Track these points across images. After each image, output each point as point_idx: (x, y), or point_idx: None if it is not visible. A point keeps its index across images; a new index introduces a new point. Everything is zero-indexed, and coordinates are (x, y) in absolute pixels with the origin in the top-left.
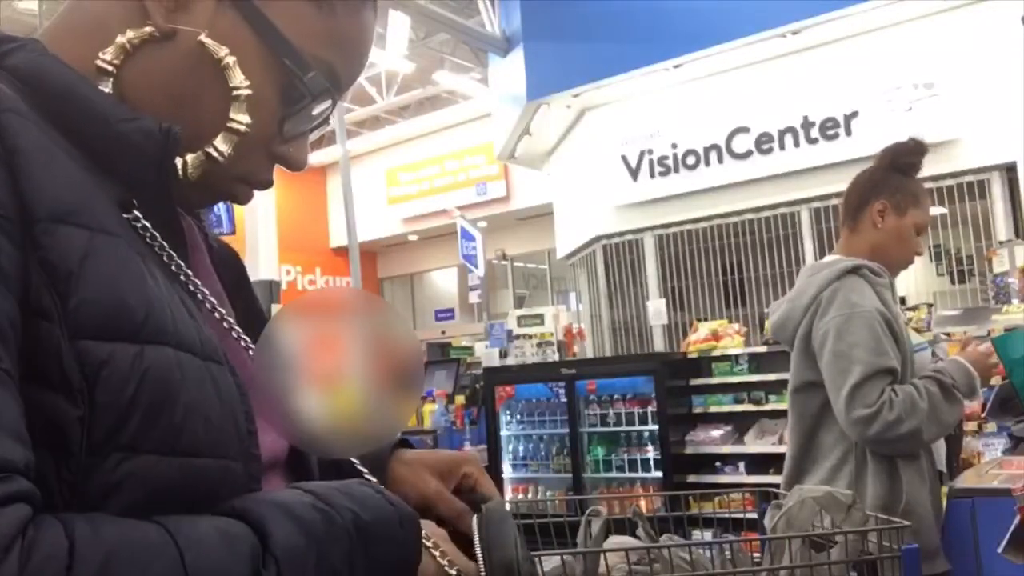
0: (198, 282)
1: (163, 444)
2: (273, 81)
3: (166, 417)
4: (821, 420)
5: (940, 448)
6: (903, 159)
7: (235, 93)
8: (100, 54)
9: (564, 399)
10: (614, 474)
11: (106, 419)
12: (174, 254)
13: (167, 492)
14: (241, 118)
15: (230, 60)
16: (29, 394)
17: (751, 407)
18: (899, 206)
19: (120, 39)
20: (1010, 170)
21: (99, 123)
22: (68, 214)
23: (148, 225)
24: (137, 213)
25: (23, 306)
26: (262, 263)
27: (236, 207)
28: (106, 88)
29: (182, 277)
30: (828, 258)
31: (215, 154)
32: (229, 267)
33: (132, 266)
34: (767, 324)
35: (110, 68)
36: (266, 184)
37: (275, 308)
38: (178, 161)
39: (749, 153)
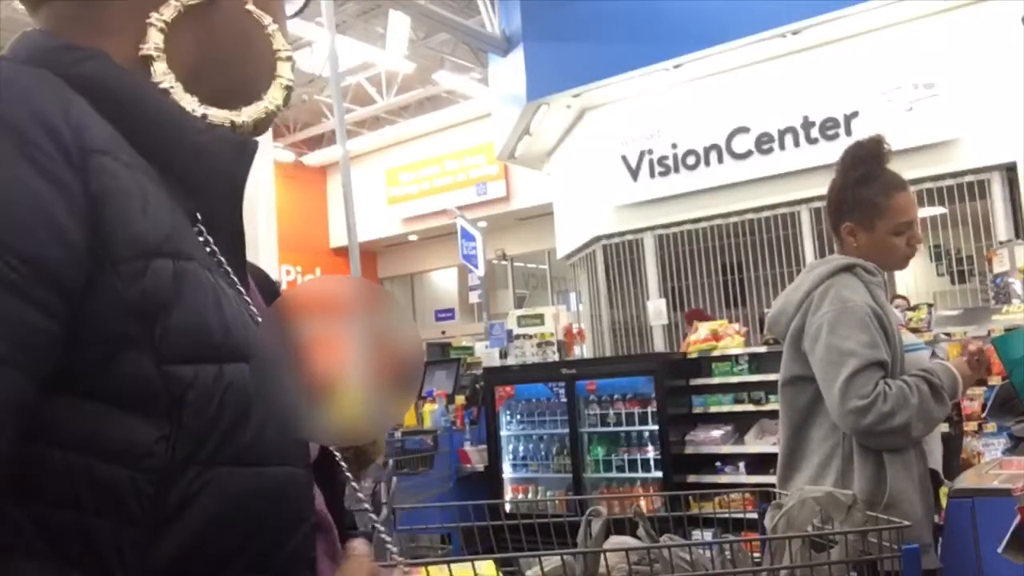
0: (246, 298)
1: (238, 456)
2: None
3: (241, 430)
4: (810, 415)
5: (936, 448)
6: (853, 174)
7: (280, 55)
8: (155, 14)
9: (564, 399)
10: (614, 474)
11: (190, 437)
12: (230, 270)
13: (240, 501)
14: (289, 75)
15: (274, 28)
16: (109, 418)
17: (751, 407)
18: (864, 223)
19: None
20: (1010, 170)
21: (174, 134)
22: (157, 247)
23: (210, 240)
24: (201, 227)
25: (100, 340)
26: (262, 263)
27: None
28: (157, 54)
29: (239, 287)
30: (826, 257)
31: (273, 109)
32: (262, 286)
33: (209, 288)
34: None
35: (163, 25)
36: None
37: None
38: (235, 119)
39: (749, 153)
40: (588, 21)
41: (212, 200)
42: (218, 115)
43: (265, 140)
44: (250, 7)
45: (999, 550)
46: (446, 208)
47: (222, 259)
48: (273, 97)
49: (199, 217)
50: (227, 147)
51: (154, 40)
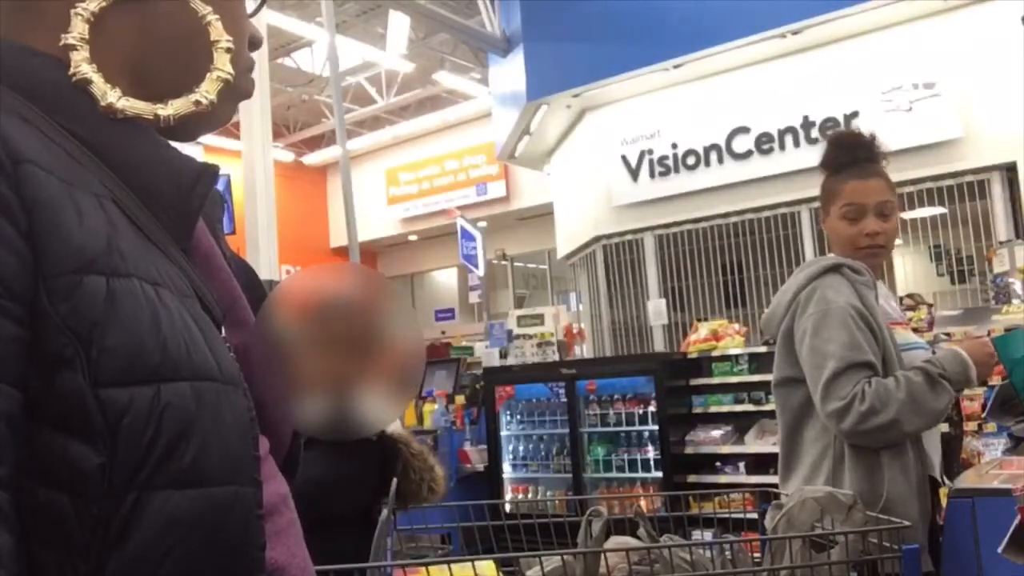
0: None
1: (177, 478)
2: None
3: (180, 452)
4: (803, 416)
5: (934, 453)
6: (823, 161)
7: (218, 46)
8: (81, 4)
9: (564, 399)
10: (614, 474)
11: (127, 463)
12: (190, 270)
13: (181, 522)
14: (226, 67)
15: (213, 19)
16: (52, 442)
17: (751, 407)
18: (824, 210)
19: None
20: (1010, 170)
21: (129, 145)
22: (90, 263)
23: (167, 252)
24: (152, 237)
25: (39, 360)
26: (262, 263)
27: (236, 208)
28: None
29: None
30: (816, 258)
31: (204, 102)
32: (250, 284)
33: (147, 306)
34: None
35: (88, 15)
36: (249, 93)
37: None
38: (160, 112)
39: (749, 153)
40: (588, 21)
41: (164, 214)
42: (137, 107)
43: (265, 140)
44: None
45: (999, 550)
46: (446, 208)
47: (181, 259)
48: (204, 90)
49: (154, 226)
50: (185, 166)
51: (77, 30)
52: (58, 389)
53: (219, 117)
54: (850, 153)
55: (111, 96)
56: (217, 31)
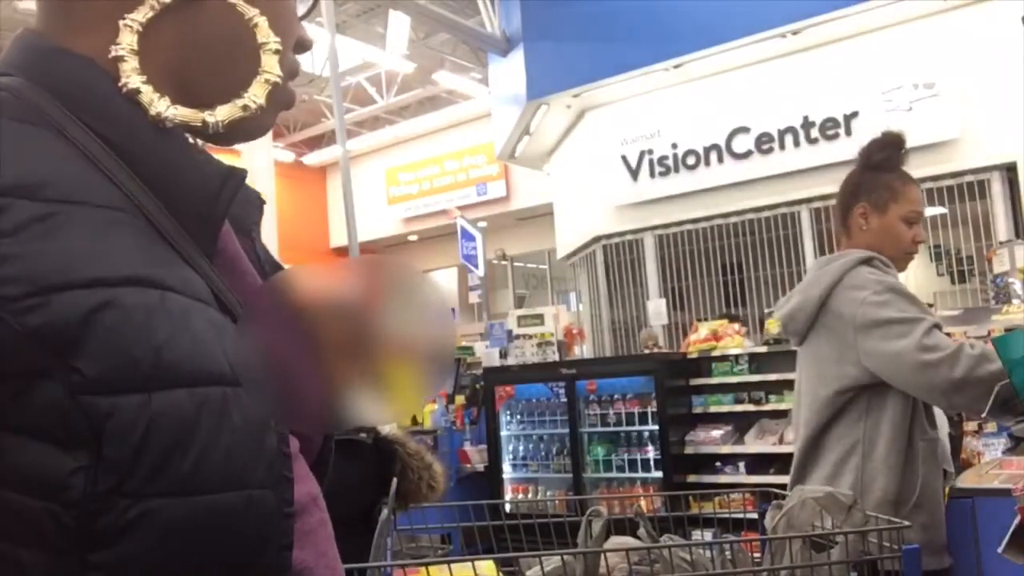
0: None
1: (174, 487)
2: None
3: (176, 460)
4: (836, 415)
5: (947, 447)
6: (876, 156)
7: (266, 48)
8: (129, 15)
9: (564, 399)
10: (614, 474)
11: (112, 469)
12: (213, 274)
13: (182, 531)
14: (274, 69)
15: (260, 20)
16: (28, 450)
17: (751, 407)
18: (878, 205)
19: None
20: (1010, 170)
21: (159, 149)
22: (71, 281)
23: (186, 256)
24: (174, 241)
25: (14, 371)
26: None
27: None
28: (129, 59)
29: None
30: (838, 252)
31: (253, 106)
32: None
33: (139, 315)
34: (770, 322)
35: (137, 26)
36: (291, 102)
37: None
38: (208, 119)
39: (749, 153)
40: (588, 21)
41: (188, 219)
42: (186, 115)
43: (265, 140)
44: (234, 0)
45: (999, 550)
46: (446, 208)
47: (206, 277)
48: (252, 94)
49: (178, 233)
50: (212, 170)
51: (126, 41)
52: (32, 399)
53: (263, 124)
54: (900, 151)
55: (159, 105)
56: (264, 33)
